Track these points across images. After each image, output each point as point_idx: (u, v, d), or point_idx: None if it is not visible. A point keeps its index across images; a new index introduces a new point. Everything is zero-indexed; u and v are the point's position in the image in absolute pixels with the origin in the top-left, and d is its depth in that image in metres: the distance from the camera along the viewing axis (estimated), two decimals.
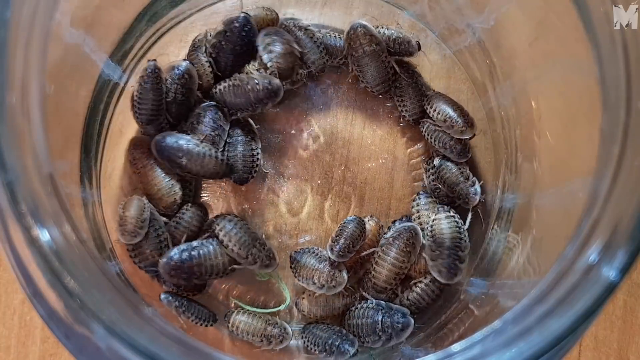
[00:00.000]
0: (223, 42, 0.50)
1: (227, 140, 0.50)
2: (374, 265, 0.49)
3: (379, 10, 0.53)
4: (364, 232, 0.48)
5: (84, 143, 0.46)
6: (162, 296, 0.48)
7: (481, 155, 0.52)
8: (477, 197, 0.50)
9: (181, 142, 0.48)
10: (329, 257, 0.48)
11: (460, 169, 0.50)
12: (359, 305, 0.49)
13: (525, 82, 0.47)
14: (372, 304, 0.48)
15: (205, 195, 0.52)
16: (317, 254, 0.49)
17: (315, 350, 0.48)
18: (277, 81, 0.48)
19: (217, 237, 0.48)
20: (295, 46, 0.50)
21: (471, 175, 0.50)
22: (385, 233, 0.51)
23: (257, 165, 0.50)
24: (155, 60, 0.49)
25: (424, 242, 0.49)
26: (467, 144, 0.51)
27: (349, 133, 0.53)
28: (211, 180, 0.52)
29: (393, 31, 0.51)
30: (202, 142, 0.49)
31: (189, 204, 0.50)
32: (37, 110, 0.32)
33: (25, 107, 0.32)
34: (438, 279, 0.48)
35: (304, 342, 0.49)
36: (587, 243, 0.32)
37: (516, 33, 0.47)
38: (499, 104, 0.50)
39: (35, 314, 0.39)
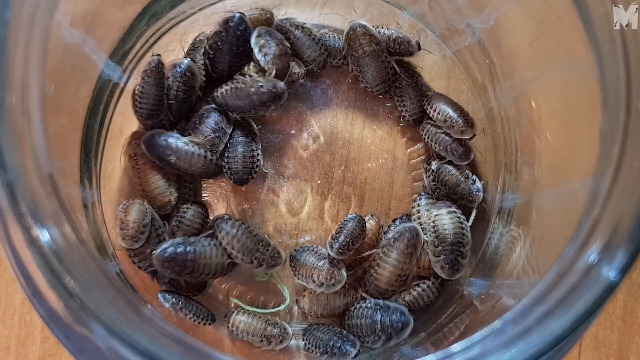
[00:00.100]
0: (219, 43, 0.49)
1: (228, 141, 0.50)
2: (375, 267, 0.48)
3: (379, 10, 0.53)
4: (364, 231, 0.48)
5: (84, 143, 0.46)
6: (160, 294, 0.48)
7: (481, 155, 0.52)
8: (481, 194, 0.50)
9: (170, 140, 0.48)
10: (328, 255, 0.48)
11: (459, 169, 0.50)
12: (358, 305, 0.49)
13: (525, 82, 0.47)
14: (370, 303, 0.48)
15: (205, 195, 0.52)
16: (316, 252, 0.49)
17: (316, 352, 0.48)
18: (281, 84, 0.48)
19: (220, 244, 0.48)
20: (287, 44, 0.50)
21: (470, 174, 0.50)
22: (385, 233, 0.51)
23: (257, 166, 0.50)
24: (159, 55, 0.49)
25: (426, 238, 0.49)
26: (469, 146, 0.50)
27: (349, 133, 0.53)
28: (211, 180, 0.52)
29: (393, 31, 0.51)
30: (202, 142, 0.49)
31: (189, 203, 0.50)
32: (37, 110, 0.32)
33: (25, 107, 0.32)
34: (440, 275, 0.48)
35: (305, 344, 0.49)
36: (587, 243, 0.32)
37: (516, 33, 0.47)
38: (499, 104, 0.50)
39: (35, 314, 0.39)
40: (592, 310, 0.30)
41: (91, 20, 0.43)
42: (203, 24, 0.52)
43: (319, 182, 0.52)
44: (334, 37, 0.52)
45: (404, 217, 0.51)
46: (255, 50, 0.49)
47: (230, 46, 0.49)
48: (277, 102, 0.49)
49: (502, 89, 0.49)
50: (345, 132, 0.53)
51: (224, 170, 0.50)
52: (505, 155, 0.50)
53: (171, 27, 0.52)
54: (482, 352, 0.31)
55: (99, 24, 0.45)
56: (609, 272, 0.30)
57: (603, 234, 0.31)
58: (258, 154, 0.51)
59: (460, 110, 0.50)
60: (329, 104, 0.53)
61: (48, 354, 0.50)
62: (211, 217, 0.51)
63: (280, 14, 0.52)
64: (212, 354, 0.33)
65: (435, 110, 0.50)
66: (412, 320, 0.47)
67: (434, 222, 0.49)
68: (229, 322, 0.49)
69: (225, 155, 0.50)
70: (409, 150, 0.53)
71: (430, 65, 0.53)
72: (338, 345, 0.47)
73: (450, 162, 0.50)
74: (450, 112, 0.50)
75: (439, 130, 0.50)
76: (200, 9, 0.52)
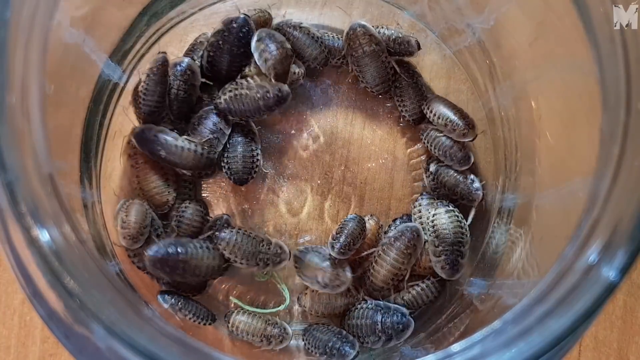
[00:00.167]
0: (220, 42, 0.49)
1: (227, 141, 0.50)
2: (373, 264, 0.48)
3: (379, 10, 0.53)
4: (364, 231, 0.48)
5: (83, 143, 0.46)
6: (159, 295, 0.48)
7: (481, 155, 0.52)
8: (480, 193, 0.50)
9: (160, 134, 0.48)
10: (330, 255, 0.48)
11: (456, 169, 0.50)
12: (359, 306, 0.49)
13: (525, 82, 0.47)
14: (371, 304, 0.48)
15: (206, 195, 0.52)
16: (320, 253, 0.49)
17: (316, 353, 0.48)
18: (286, 88, 0.48)
19: (222, 255, 0.48)
20: (288, 46, 0.50)
21: (469, 174, 0.50)
22: (385, 232, 0.51)
23: (257, 166, 0.50)
24: (165, 52, 0.49)
25: (426, 238, 0.49)
26: (468, 151, 0.50)
27: (349, 133, 0.53)
28: (211, 180, 0.52)
29: (393, 31, 0.51)
30: (201, 142, 0.49)
31: (188, 201, 0.50)
32: (37, 110, 0.32)
33: (25, 107, 0.32)
34: (440, 275, 0.48)
35: (305, 344, 0.49)
36: (587, 243, 0.32)
37: (516, 33, 0.47)
38: (499, 104, 0.50)
39: (35, 314, 0.38)
40: (592, 310, 0.30)
41: (91, 20, 0.43)
42: (203, 24, 0.52)
43: (319, 182, 0.52)
44: (333, 37, 0.52)
45: (404, 217, 0.51)
46: (256, 56, 0.49)
47: (231, 46, 0.49)
48: (282, 105, 0.49)
49: (502, 89, 0.49)
50: (345, 132, 0.53)
51: (224, 171, 0.50)
52: (505, 156, 0.50)
53: (171, 27, 0.52)
54: (482, 352, 0.31)
55: (99, 24, 0.45)
56: (609, 272, 0.30)
57: (603, 234, 0.31)
58: (258, 154, 0.51)
59: (460, 113, 0.50)
60: (329, 104, 0.53)
61: (48, 354, 0.50)
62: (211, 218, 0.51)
63: (279, 14, 0.52)
64: (212, 354, 0.33)
65: (435, 114, 0.50)
66: (413, 322, 0.47)
67: (432, 221, 0.49)
68: (228, 322, 0.49)
69: (225, 155, 0.50)
70: (409, 150, 0.53)
71: (430, 65, 0.53)
72: (337, 346, 0.47)
73: (449, 166, 0.50)
74: (450, 115, 0.49)
75: (438, 135, 0.50)
76: (200, 9, 0.52)
